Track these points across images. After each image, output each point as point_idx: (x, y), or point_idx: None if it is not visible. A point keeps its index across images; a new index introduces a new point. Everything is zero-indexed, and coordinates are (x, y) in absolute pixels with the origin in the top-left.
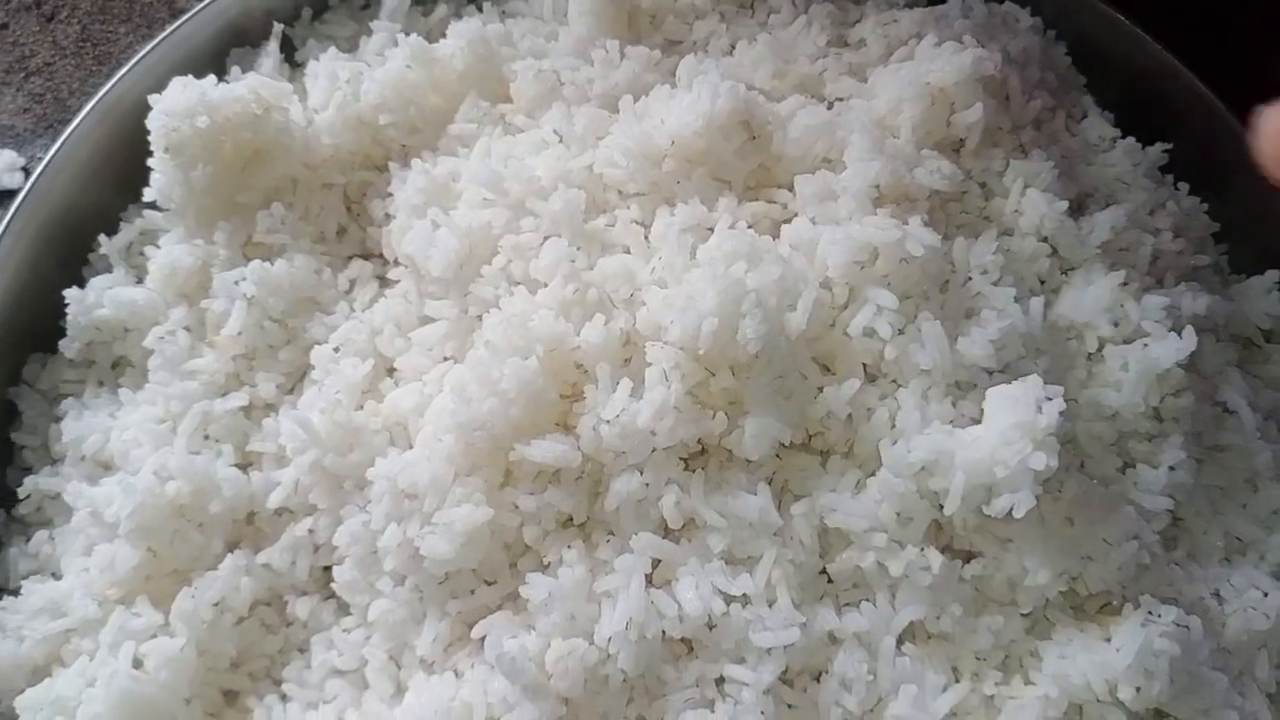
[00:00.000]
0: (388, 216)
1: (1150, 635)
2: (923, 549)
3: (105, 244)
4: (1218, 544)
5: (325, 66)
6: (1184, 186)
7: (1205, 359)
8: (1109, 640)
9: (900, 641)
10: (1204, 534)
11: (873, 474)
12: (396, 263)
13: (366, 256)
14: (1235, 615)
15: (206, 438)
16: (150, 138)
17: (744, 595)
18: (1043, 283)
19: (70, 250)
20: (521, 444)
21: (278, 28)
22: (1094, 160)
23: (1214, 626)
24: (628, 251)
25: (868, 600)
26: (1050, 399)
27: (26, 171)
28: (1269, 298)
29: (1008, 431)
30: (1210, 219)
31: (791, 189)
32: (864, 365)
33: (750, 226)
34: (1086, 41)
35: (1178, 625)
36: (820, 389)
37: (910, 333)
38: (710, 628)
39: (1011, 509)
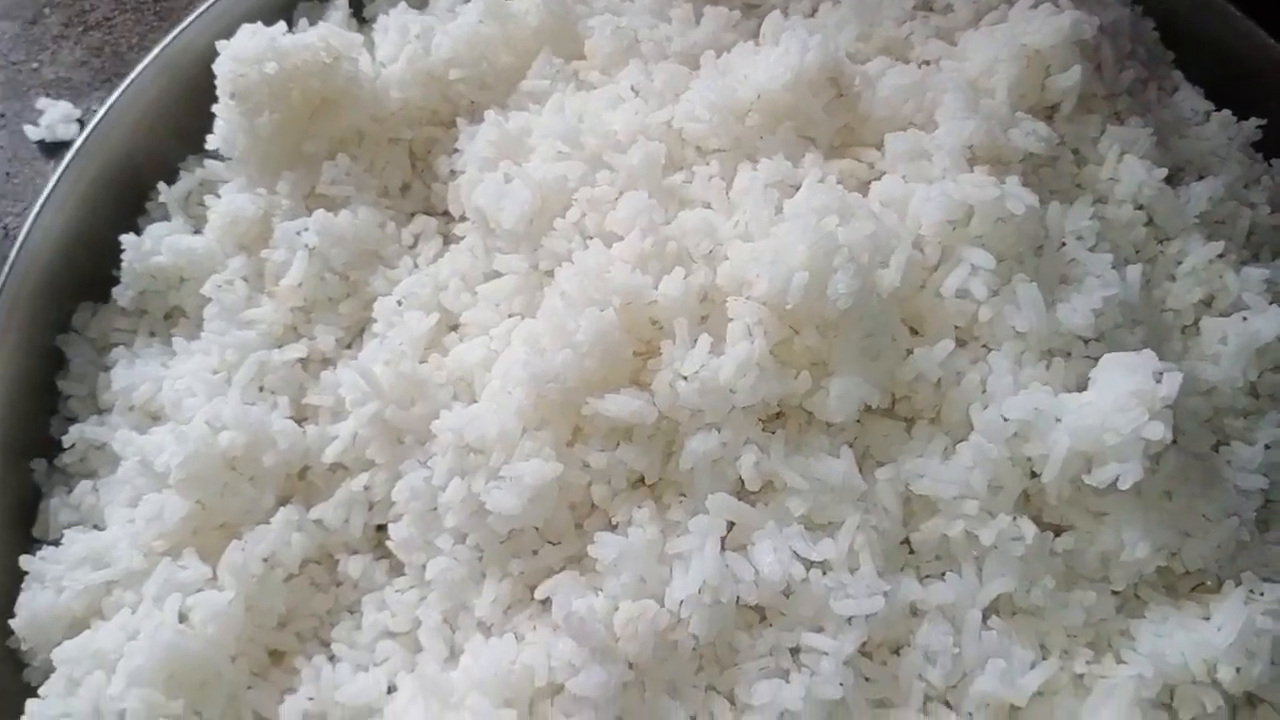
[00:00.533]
0: (453, 173)
1: (1253, 613)
2: (1015, 519)
3: (164, 192)
4: None
5: (396, 20)
6: (1277, 163)
7: None
8: (1208, 619)
9: (986, 615)
10: None
11: (962, 440)
12: (462, 219)
13: (430, 213)
14: None
15: (262, 389)
16: (216, 83)
17: (824, 561)
18: (1138, 252)
19: (127, 200)
20: (595, 398)
21: None
22: (1187, 133)
23: None
24: (708, 207)
25: (953, 571)
26: (1168, 370)
27: (81, 123)
28: None
29: (1123, 398)
30: None
31: (879, 148)
32: (955, 328)
33: (838, 184)
34: (1174, 19)
35: None
36: (909, 351)
37: (1005, 295)
38: (787, 594)
39: (1117, 479)
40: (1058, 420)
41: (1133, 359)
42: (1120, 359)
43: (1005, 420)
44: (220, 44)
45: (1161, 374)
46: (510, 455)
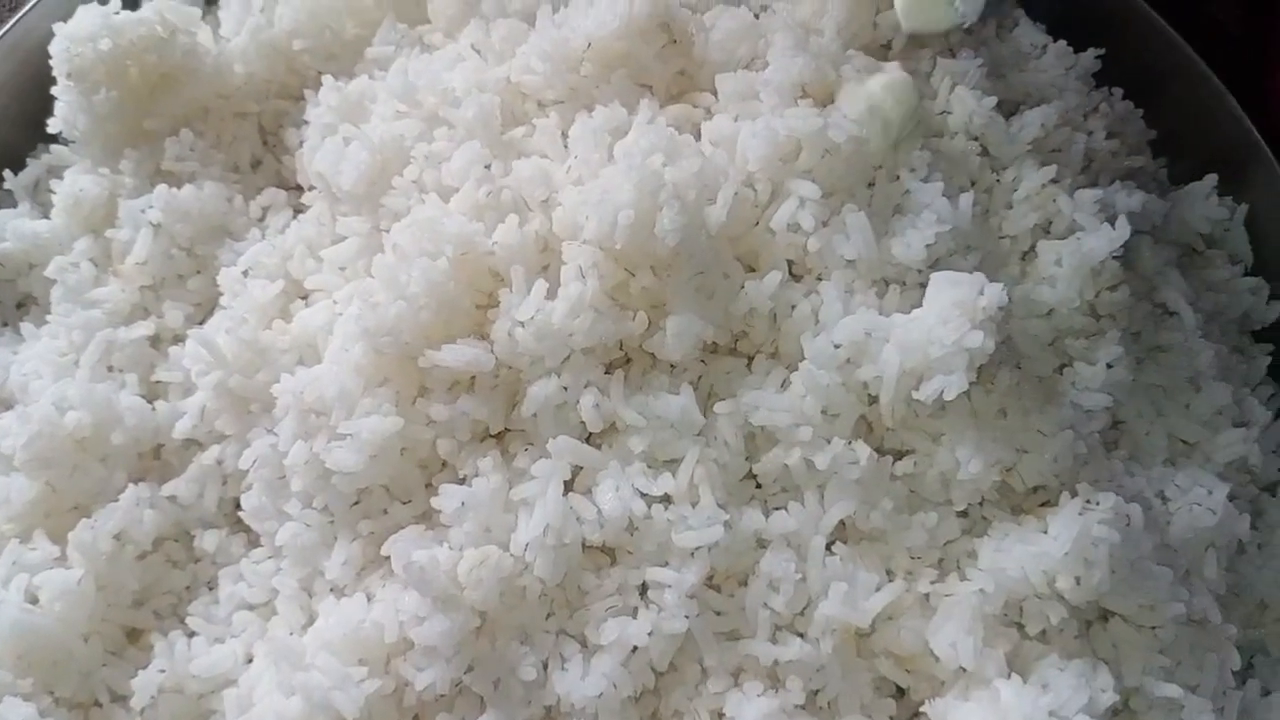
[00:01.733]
0: (303, 143)
1: (1088, 523)
2: (850, 443)
3: (10, 180)
4: (1160, 444)
5: None
6: (1119, 92)
7: (1143, 259)
8: (1046, 532)
9: (830, 543)
10: (1146, 435)
11: (796, 368)
12: (311, 189)
13: (282, 187)
14: (1180, 513)
15: (111, 369)
16: (52, 64)
17: (665, 496)
18: (973, 183)
19: None
20: (432, 350)
21: None
22: (1026, 67)
23: (1158, 525)
24: (545, 157)
25: (796, 501)
26: (990, 284)
27: None
28: (1207, 202)
29: (946, 310)
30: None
31: (716, 94)
32: (788, 262)
33: (669, 127)
34: None
35: (1116, 513)
36: (743, 287)
37: (835, 225)
38: (631, 532)
39: (943, 393)
40: (887, 341)
41: (961, 277)
42: (948, 276)
43: (836, 346)
44: (57, 26)
45: (983, 287)
46: (350, 413)
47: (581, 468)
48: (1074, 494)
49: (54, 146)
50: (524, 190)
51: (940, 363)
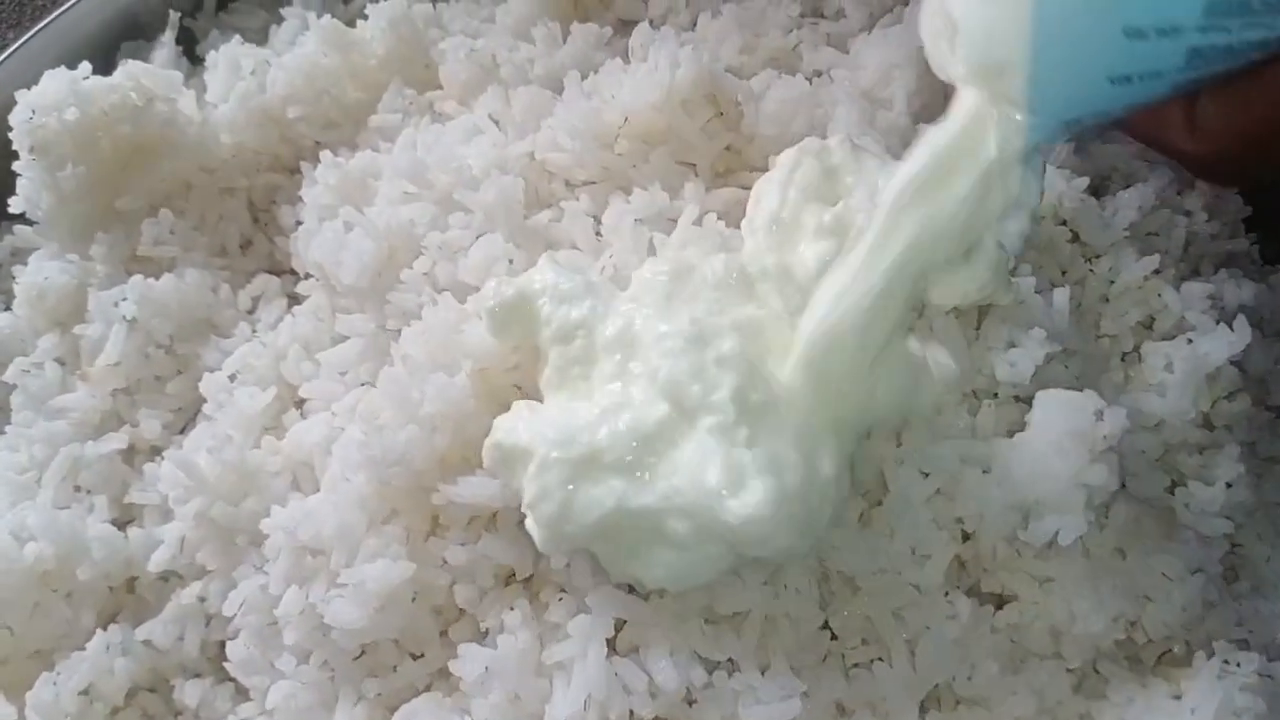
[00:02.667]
0: (299, 225)
1: (1230, 689)
2: (947, 593)
3: None
4: None
5: (226, 55)
6: None
7: (1253, 356)
8: (1179, 698)
9: (925, 709)
10: (1267, 561)
11: (879, 504)
12: (307, 276)
13: (276, 272)
14: None
15: (78, 489)
16: (13, 137)
17: (729, 661)
18: (1064, 273)
19: None
20: (447, 483)
21: (174, 17)
22: (1110, 138)
23: None
24: (576, 248)
25: (881, 659)
26: (1110, 408)
27: None
28: None
29: (1060, 440)
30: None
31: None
32: None
33: (720, 217)
34: None
35: (1261, 675)
36: None
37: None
38: (690, 703)
39: (1057, 535)
40: (985, 472)
41: (1071, 397)
42: (1057, 397)
43: (924, 475)
44: (20, 93)
45: (1102, 411)
46: (353, 557)
47: (626, 623)
48: (1209, 652)
49: (17, 227)
50: None
51: (1054, 501)
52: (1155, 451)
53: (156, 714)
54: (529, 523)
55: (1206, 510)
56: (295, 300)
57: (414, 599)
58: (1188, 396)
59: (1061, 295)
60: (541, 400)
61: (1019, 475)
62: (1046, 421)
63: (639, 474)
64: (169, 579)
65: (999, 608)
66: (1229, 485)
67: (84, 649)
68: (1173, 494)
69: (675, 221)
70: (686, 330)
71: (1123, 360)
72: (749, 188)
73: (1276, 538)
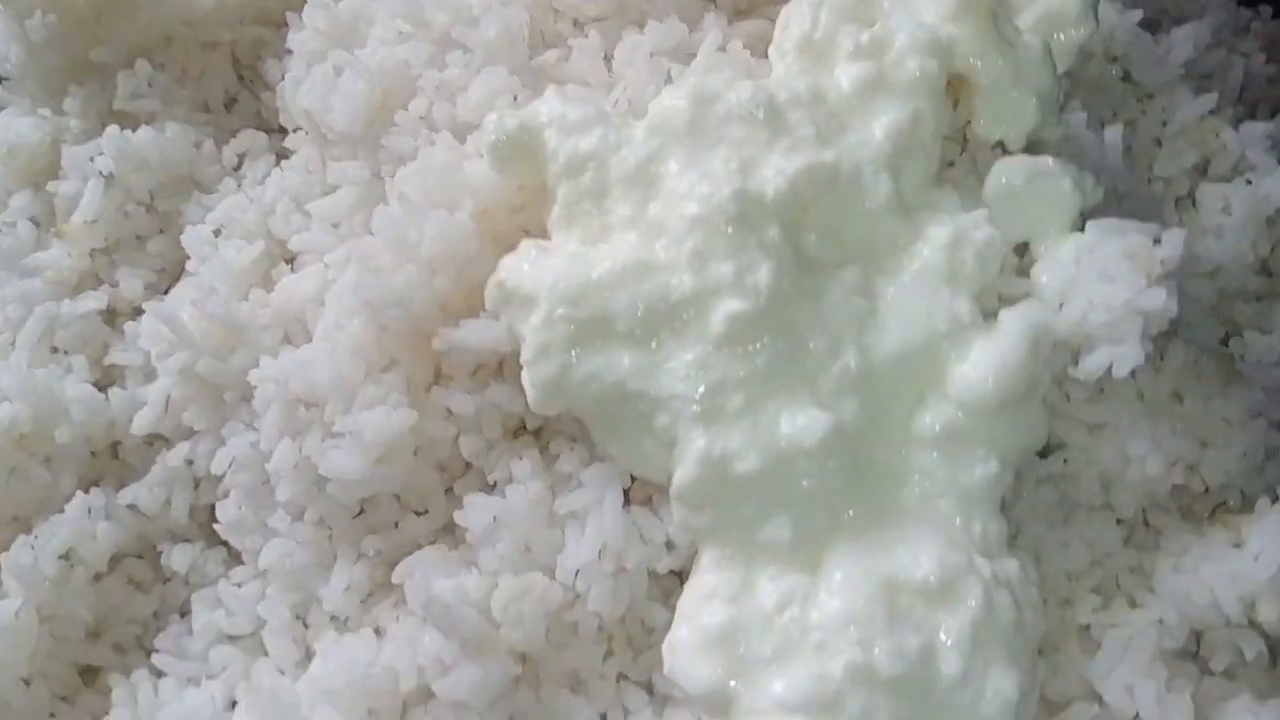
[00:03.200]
0: (286, 78)
1: None
2: None
3: None
4: None
5: None
6: (1266, 10)
7: None
8: (1239, 546)
9: None
10: None
11: None
12: (296, 130)
13: (262, 128)
14: None
15: (55, 350)
16: None
17: None
18: (1115, 113)
19: None
20: (449, 327)
21: None
22: None
23: None
24: (586, 85)
25: None
26: (1168, 230)
27: None
28: None
29: (1113, 265)
30: None
31: None
32: None
33: (745, 47)
34: None
35: None
36: None
37: None
38: None
39: (1111, 369)
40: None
41: (1127, 224)
42: (1109, 222)
43: None
44: None
45: (1159, 235)
46: (349, 405)
47: None
48: (1273, 497)
49: None
50: None
51: (1108, 330)
52: (1210, 299)
53: (144, 580)
54: (524, 376)
55: (1263, 360)
56: (283, 157)
57: (416, 452)
58: (1246, 239)
59: (1114, 132)
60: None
61: (1070, 310)
62: (1097, 247)
63: (650, 347)
64: (154, 443)
65: (1044, 456)
66: None
67: (63, 512)
68: (1227, 344)
69: (694, 56)
70: (727, 202)
71: (1176, 205)
72: (773, 20)
73: None
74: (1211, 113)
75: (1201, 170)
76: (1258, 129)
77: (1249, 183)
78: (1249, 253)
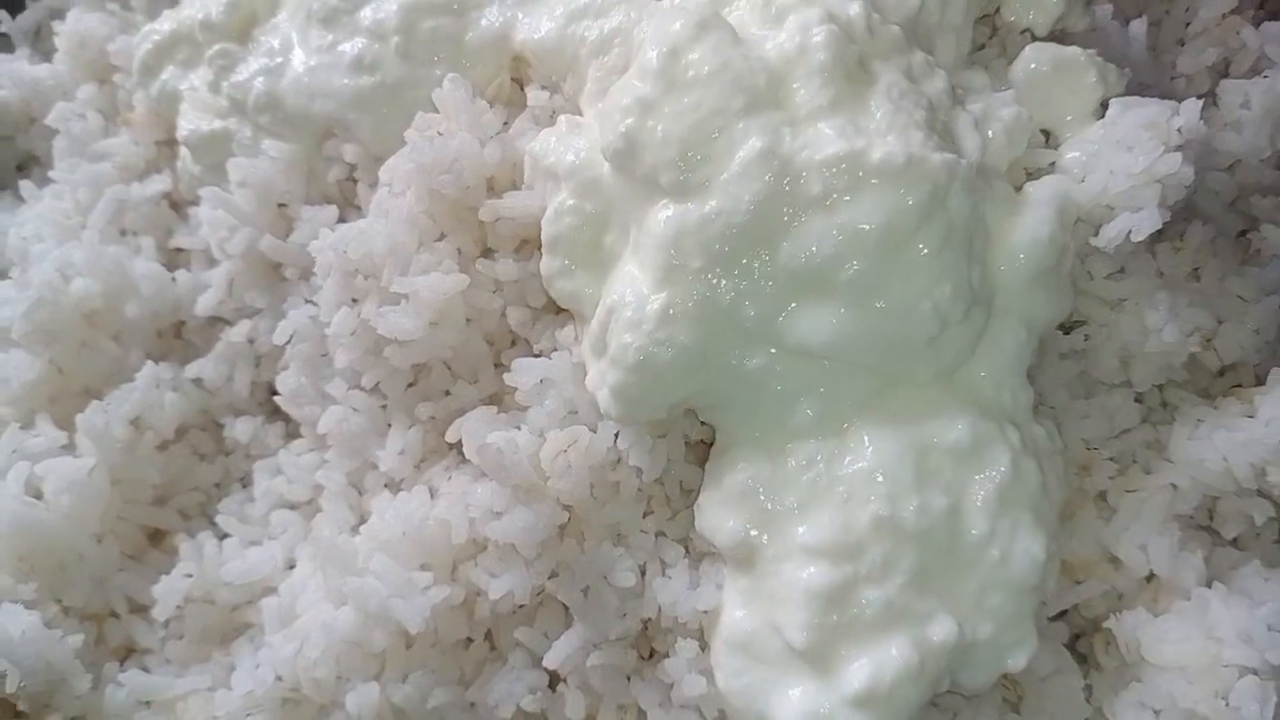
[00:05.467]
0: None
1: None
2: None
3: (7, 24)
4: None
5: None
6: None
7: None
8: (1252, 417)
9: None
10: None
11: None
12: None
13: None
14: None
15: (123, 232)
16: None
17: None
18: (1141, 13)
19: None
20: (493, 198)
21: None
22: None
23: None
24: None
25: None
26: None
27: None
28: None
29: (1132, 134)
30: None
31: None
32: None
33: None
34: None
35: None
36: None
37: None
38: None
39: (1129, 236)
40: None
41: (1147, 100)
42: (1128, 99)
43: None
44: None
45: (1177, 107)
46: (405, 270)
47: None
48: None
49: None
50: None
51: (1125, 197)
52: (1229, 194)
53: (207, 452)
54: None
55: (1279, 252)
56: None
57: (468, 322)
58: (1264, 133)
59: (1139, 25)
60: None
61: (1092, 180)
62: (1118, 120)
63: None
64: (216, 324)
65: (1068, 332)
66: None
67: (133, 381)
68: (1245, 237)
69: None
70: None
71: (1199, 100)
72: None
73: None
74: (1235, 11)
75: (1223, 69)
76: (1276, 28)
77: (1269, 79)
78: (1266, 146)
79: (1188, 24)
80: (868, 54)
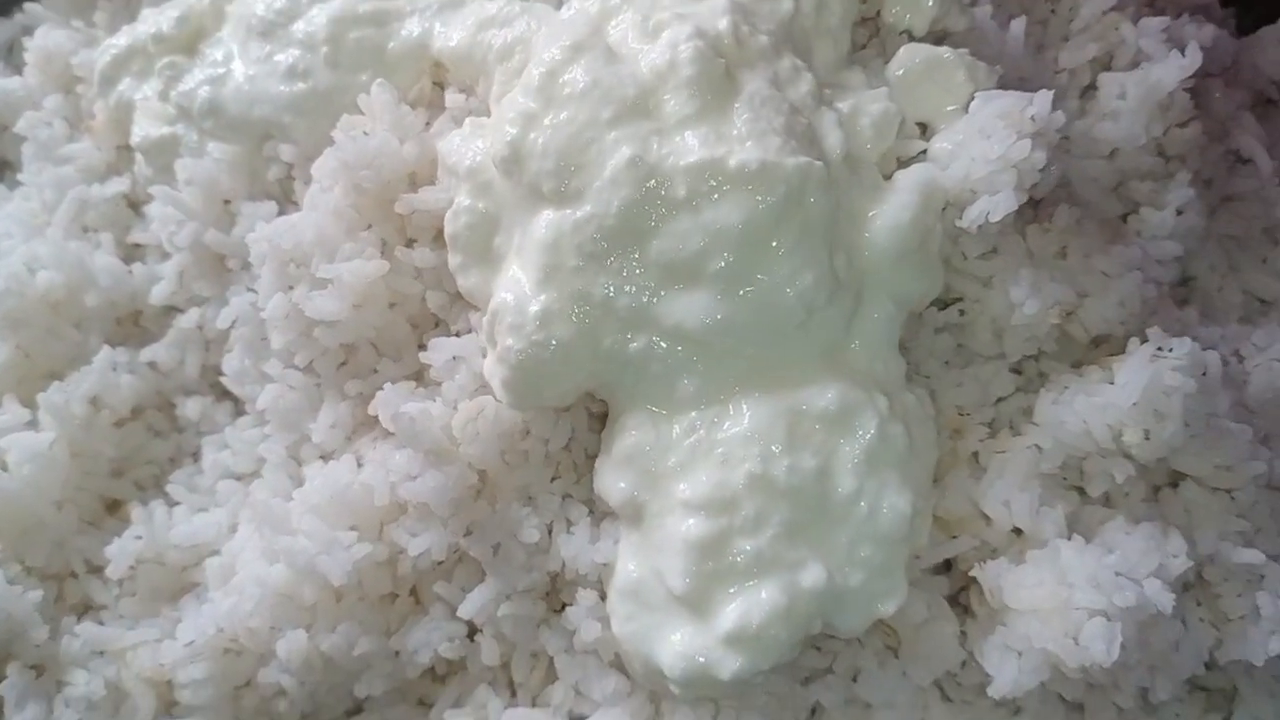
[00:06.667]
0: None
1: (1160, 370)
2: None
3: None
4: (1235, 300)
5: None
6: None
7: (1215, 102)
8: (1112, 383)
9: None
10: (1219, 290)
11: None
12: None
13: None
14: (1258, 371)
15: (85, 230)
16: None
17: None
18: (1027, 12)
19: None
20: (408, 193)
21: None
22: None
23: (1235, 382)
24: None
25: None
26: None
27: None
28: None
29: (990, 124)
30: None
31: None
32: None
33: None
34: None
35: (1193, 361)
36: None
37: None
38: None
39: (988, 217)
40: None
41: (1006, 93)
42: (991, 94)
43: None
44: None
45: (1032, 97)
46: (332, 258)
47: None
48: (1144, 340)
49: (28, 5)
50: None
51: (984, 182)
52: (1110, 180)
53: (161, 429)
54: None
55: (1157, 234)
56: None
57: (391, 307)
58: (1140, 122)
59: (1018, 24)
60: None
61: (955, 168)
62: (980, 111)
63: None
64: (169, 313)
65: (943, 308)
66: (1179, 212)
67: (91, 363)
68: (1126, 222)
69: None
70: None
71: (1081, 96)
72: None
73: (1229, 270)
74: (1115, 9)
75: (1105, 66)
76: (1154, 23)
77: (1145, 70)
78: (1143, 134)
79: (1072, 22)
80: (735, 64)
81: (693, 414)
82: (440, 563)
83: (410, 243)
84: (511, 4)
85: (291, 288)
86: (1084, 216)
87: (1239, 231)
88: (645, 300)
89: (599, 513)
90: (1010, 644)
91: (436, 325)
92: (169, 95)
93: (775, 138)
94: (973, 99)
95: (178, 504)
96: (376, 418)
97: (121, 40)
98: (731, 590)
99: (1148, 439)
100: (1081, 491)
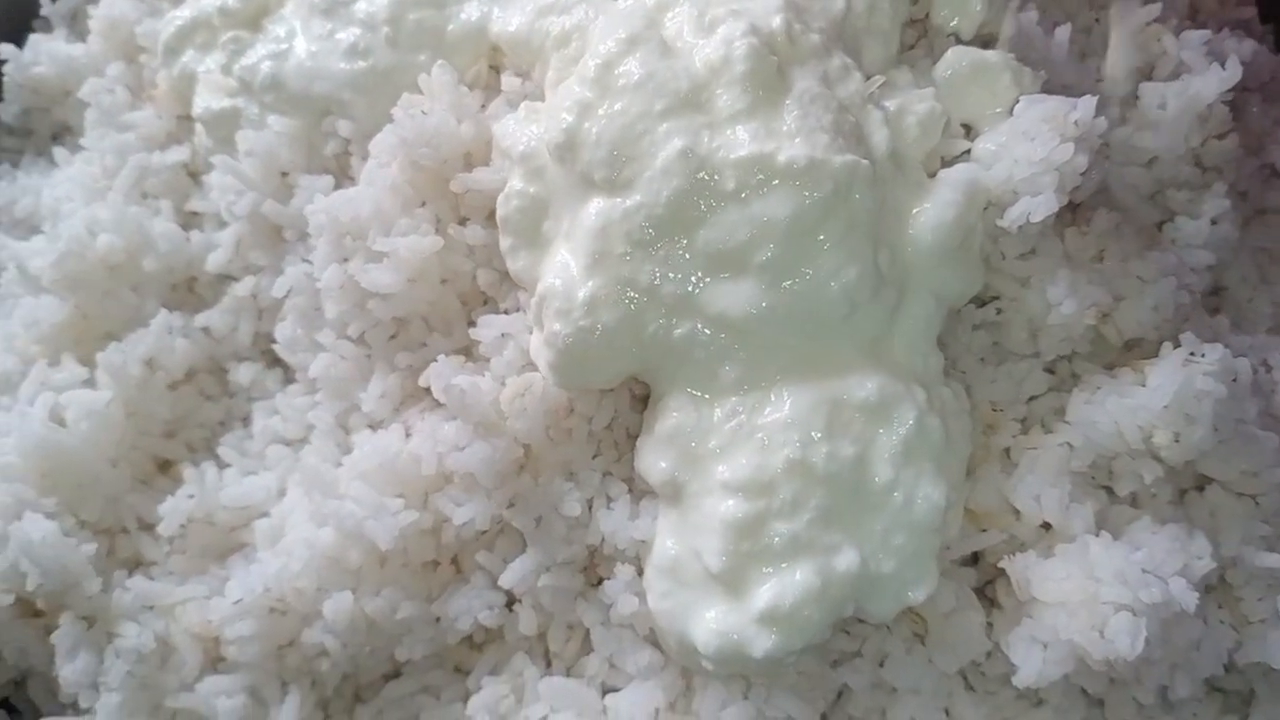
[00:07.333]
0: None
1: (1191, 375)
2: None
3: (48, 7)
4: (1265, 311)
5: None
6: None
7: (1252, 115)
8: (1144, 385)
9: None
10: (1249, 301)
11: None
12: None
13: None
14: None
15: (145, 195)
16: None
17: None
18: (1071, 19)
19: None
20: (464, 172)
21: None
22: None
23: (1264, 390)
24: None
25: None
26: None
27: None
28: None
29: (1034, 127)
30: None
31: None
32: None
33: None
34: None
35: (1223, 367)
36: None
37: None
38: None
39: (1029, 218)
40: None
41: (1050, 97)
42: (1036, 98)
43: None
44: None
45: (1076, 102)
46: (388, 232)
47: None
48: (1176, 344)
49: None
50: None
51: (1026, 183)
52: (1147, 187)
53: (212, 393)
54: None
55: (1191, 242)
56: None
57: (443, 282)
58: (1179, 132)
59: (1062, 31)
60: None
61: (998, 168)
62: (1024, 114)
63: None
64: (224, 280)
65: (980, 306)
66: (1214, 221)
67: (148, 326)
68: (1161, 230)
69: None
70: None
71: (1121, 105)
72: None
73: (1260, 281)
74: (1158, 21)
75: (1147, 74)
76: (1195, 35)
77: (1185, 81)
78: (1182, 144)
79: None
80: (787, 61)
81: (734, 399)
82: (483, 532)
83: (463, 221)
84: None
85: (347, 260)
86: (1122, 222)
87: (1271, 244)
88: (690, 289)
89: (638, 491)
90: (1037, 635)
91: (485, 302)
92: (232, 69)
93: (824, 135)
94: (1017, 102)
95: (228, 466)
96: (424, 389)
97: (186, 12)
98: (766, 571)
99: (1177, 441)
100: (1110, 491)
